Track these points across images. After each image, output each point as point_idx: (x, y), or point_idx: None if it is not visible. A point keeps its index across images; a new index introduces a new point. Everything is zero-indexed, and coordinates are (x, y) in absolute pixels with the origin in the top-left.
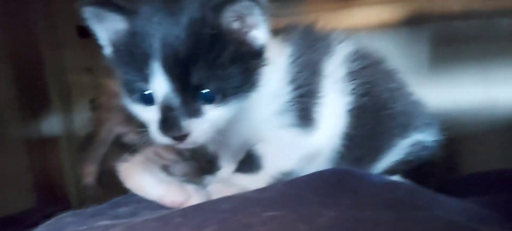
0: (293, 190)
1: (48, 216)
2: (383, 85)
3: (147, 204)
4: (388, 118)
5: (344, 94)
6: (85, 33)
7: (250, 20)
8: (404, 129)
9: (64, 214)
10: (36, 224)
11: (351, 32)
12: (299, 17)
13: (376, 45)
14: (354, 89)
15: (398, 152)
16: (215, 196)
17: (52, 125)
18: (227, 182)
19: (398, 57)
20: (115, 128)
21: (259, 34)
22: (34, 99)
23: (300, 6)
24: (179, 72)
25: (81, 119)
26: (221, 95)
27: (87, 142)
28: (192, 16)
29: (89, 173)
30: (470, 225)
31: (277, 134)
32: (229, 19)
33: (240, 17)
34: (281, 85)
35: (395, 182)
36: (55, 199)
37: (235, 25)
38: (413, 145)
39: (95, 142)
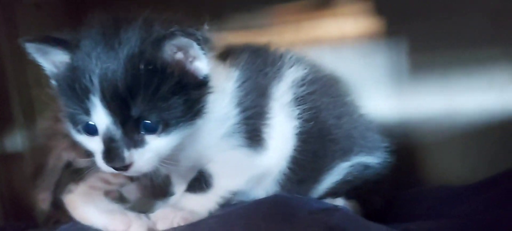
0: (226, 226)
1: None
2: (328, 111)
3: None
4: (330, 143)
5: (292, 118)
6: None
7: (191, 52)
8: (346, 152)
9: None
10: None
11: (322, 43)
12: (269, 29)
13: (343, 57)
14: (300, 114)
15: (338, 173)
16: (160, 223)
17: (15, 140)
18: (174, 207)
19: (364, 67)
20: (63, 154)
21: (201, 65)
22: None
23: (273, 17)
24: (118, 106)
25: None
26: (162, 126)
27: (38, 170)
28: (130, 51)
29: (43, 199)
30: None
31: (226, 155)
32: (169, 52)
33: (181, 50)
34: (229, 109)
35: (331, 209)
36: (21, 215)
37: (177, 56)
38: (353, 166)
39: (46, 170)
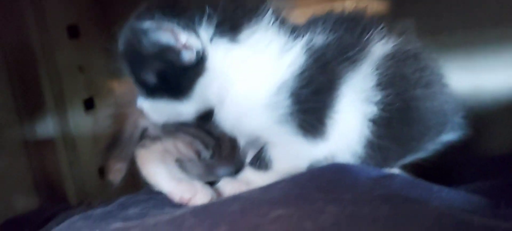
0: (297, 188)
1: (50, 218)
2: (416, 90)
3: (155, 202)
4: (418, 125)
5: (369, 103)
6: (75, 33)
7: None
8: (437, 132)
9: (74, 218)
10: (40, 226)
11: None
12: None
13: None
14: (382, 98)
15: (425, 153)
16: (224, 192)
17: (47, 126)
18: (239, 179)
19: None
20: (140, 121)
21: (187, 49)
22: (29, 101)
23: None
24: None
25: (76, 119)
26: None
27: (113, 140)
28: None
29: (118, 169)
30: (462, 215)
31: (282, 140)
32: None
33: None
34: (278, 99)
35: (390, 175)
36: (55, 199)
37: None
38: (441, 144)
39: (122, 139)
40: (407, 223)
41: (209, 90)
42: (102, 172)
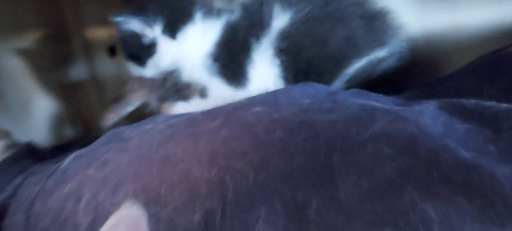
0: (271, 95)
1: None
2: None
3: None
4: (324, 53)
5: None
6: None
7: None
8: (348, 57)
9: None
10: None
11: None
12: None
13: None
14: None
15: (350, 72)
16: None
17: (78, 72)
18: (189, 103)
19: None
20: (144, 97)
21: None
22: (62, 50)
23: None
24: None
25: (101, 64)
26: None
27: (116, 99)
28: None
29: (108, 119)
30: (382, 106)
31: (216, 87)
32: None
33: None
34: (208, 60)
35: (338, 90)
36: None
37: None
38: (366, 63)
39: (123, 100)
40: (342, 118)
41: (160, 62)
42: None
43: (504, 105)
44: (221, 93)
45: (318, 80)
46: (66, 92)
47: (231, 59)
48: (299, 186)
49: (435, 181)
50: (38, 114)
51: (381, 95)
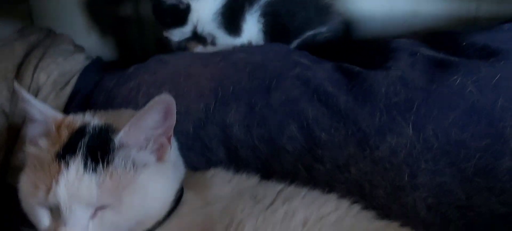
0: (251, 48)
1: None
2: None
3: None
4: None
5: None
6: None
7: None
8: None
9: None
10: None
11: None
12: None
13: None
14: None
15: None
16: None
17: (126, 8)
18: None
19: None
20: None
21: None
22: None
23: None
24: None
25: (144, 5)
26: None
27: None
28: None
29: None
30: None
31: (221, 36)
32: None
33: None
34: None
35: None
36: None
37: None
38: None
39: None
40: (284, 64)
41: (192, 19)
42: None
43: (357, 68)
44: (223, 41)
45: (285, 39)
46: (115, 26)
47: (231, 16)
48: (253, 95)
49: (314, 99)
50: (96, 40)
51: (312, 56)
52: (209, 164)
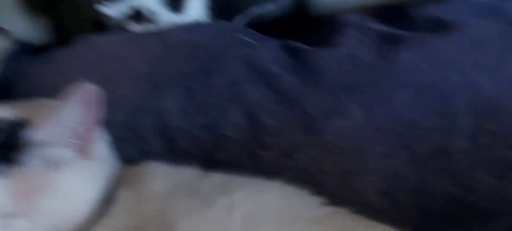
0: (188, 26)
1: None
2: None
3: None
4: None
5: None
6: None
7: None
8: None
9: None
10: None
11: None
12: None
13: None
14: None
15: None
16: None
17: None
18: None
19: None
20: None
21: None
22: None
23: None
24: None
25: None
26: None
27: None
28: None
29: None
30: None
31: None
32: None
33: None
34: None
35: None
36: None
37: None
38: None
39: None
40: (223, 42)
41: None
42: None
43: (304, 46)
44: (165, 18)
45: (230, 15)
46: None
47: None
48: (192, 79)
49: (258, 81)
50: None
51: (258, 34)
52: (146, 156)
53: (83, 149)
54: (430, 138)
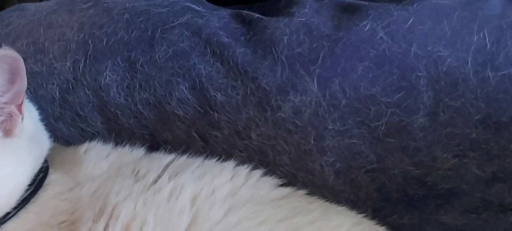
0: None
1: None
2: None
3: None
4: None
5: None
6: None
7: None
8: None
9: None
10: None
11: None
12: None
13: None
14: None
15: None
16: None
17: None
18: None
19: None
20: None
21: None
22: None
23: None
24: None
25: None
26: None
27: None
28: None
29: None
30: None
31: None
32: None
33: None
34: None
35: None
36: None
37: None
38: None
39: None
40: (170, 11)
41: None
42: None
43: (257, 16)
44: None
45: None
46: None
47: None
48: (133, 49)
49: (207, 53)
50: None
51: (207, 3)
52: (84, 136)
53: (8, 126)
54: (389, 114)
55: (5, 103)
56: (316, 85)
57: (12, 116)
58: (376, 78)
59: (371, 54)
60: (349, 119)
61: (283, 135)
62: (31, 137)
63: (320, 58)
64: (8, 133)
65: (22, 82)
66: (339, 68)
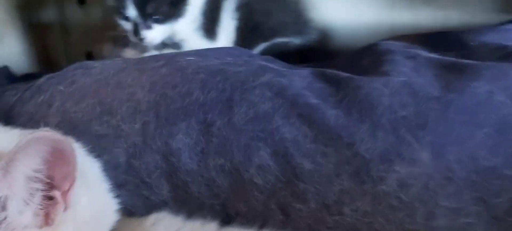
0: (203, 51)
1: None
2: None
3: None
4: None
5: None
6: None
7: None
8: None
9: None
10: None
11: None
12: None
13: None
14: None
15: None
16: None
17: (48, 14)
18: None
19: None
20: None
21: None
22: None
23: None
24: (140, 6)
25: (71, 11)
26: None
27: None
28: None
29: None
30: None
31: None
32: None
33: None
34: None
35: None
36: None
37: None
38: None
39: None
40: (246, 71)
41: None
42: (89, 55)
43: (346, 74)
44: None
45: (254, 42)
46: (35, 32)
47: (210, 12)
48: (209, 111)
49: (292, 115)
50: (10, 47)
51: (282, 62)
52: (149, 206)
53: (47, 215)
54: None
55: (44, 189)
56: (426, 154)
57: (55, 204)
58: (497, 147)
59: (490, 119)
60: (465, 194)
61: (384, 212)
62: (85, 221)
63: (430, 122)
64: (48, 222)
65: (70, 166)
66: (454, 135)
